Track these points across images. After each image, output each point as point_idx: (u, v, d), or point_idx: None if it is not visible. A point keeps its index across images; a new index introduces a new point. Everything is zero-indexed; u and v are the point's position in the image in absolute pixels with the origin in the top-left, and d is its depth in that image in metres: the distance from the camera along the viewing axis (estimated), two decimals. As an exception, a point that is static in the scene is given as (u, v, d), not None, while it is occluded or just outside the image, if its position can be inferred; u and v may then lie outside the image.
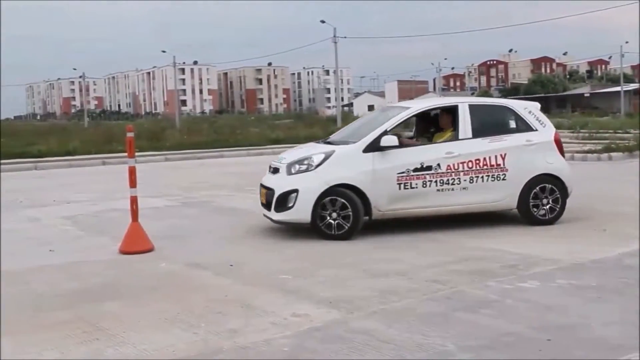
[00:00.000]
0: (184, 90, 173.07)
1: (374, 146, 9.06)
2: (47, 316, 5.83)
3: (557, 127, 34.94)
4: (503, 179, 9.38)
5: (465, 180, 9.24)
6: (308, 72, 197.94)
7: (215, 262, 7.77)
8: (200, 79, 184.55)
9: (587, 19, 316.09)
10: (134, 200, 8.53)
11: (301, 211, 8.87)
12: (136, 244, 8.40)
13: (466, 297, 6.05)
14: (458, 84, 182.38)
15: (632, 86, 78.73)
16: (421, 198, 9.15)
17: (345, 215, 8.86)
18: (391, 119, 9.43)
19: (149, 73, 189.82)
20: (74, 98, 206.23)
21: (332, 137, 10.41)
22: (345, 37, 56.48)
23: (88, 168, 22.41)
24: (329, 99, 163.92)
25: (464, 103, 9.73)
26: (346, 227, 8.85)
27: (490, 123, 9.77)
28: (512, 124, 9.83)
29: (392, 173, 9.04)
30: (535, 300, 5.90)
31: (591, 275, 6.71)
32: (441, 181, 9.16)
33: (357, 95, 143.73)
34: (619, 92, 71.00)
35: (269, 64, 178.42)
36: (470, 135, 9.40)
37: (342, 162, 9.07)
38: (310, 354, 4.74)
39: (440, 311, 5.65)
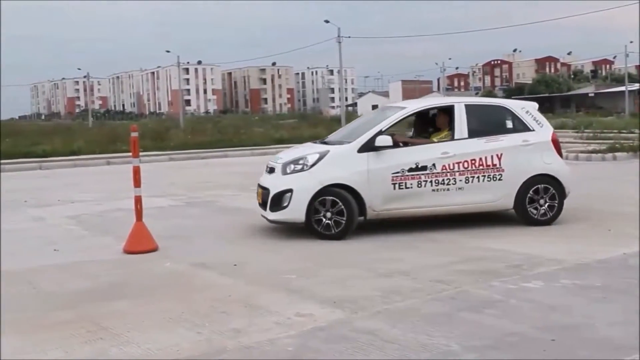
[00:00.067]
0: (188, 90, 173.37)
1: (369, 146, 9.08)
2: (51, 315, 5.84)
3: (561, 127, 34.91)
4: (499, 179, 9.35)
5: (460, 180, 9.23)
6: (312, 72, 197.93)
7: (219, 261, 7.78)
8: (205, 79, 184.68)
9: (591, 18, 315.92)
10: (138, 200, 8.54)
11: (295, 211, 8.91)
12: (140, 243, 8.41)
13: (470, 297, 6.04)
14: (462, 83, 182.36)
15: (637, 86, 78.40)
16: (416, 198, 9.15)
17: (340, 215, 8.88)
18: (386, 119, 9.45)
19: (153, 73, 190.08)
20: (78, 98, 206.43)
21: (330, 137, 10.42)
22: (349, 37, 56.44)
23: (92, 168, 22.46)
24: (333, 99, 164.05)
25: (460, 103, 9.71)
26: (340, 227, 8.88)
27: (486, 123, 9.76)
28: (509, 124, 9.78)
29: (387, 173, 9.04)
30: (539, 300, 5.89)
31: (595, 276, 6.69)
32: (436, 181, 9.16)
33: (361, 95, 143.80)
34: (623, 92, 70.91)
35: (273, 64, 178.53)
36: (466, 135, 9.39)
37: (337, 162, 9.10)
38: (314, 354, 4.74)
39: (444, 311, 5.64)
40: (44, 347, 5.00)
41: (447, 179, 9.19)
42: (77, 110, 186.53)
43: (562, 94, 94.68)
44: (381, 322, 5.38)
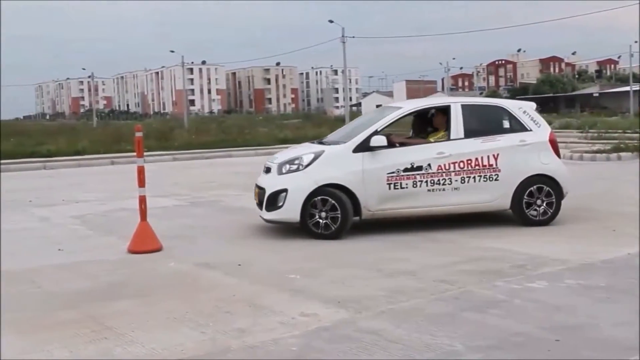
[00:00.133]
0: (193, 90, 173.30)
1: (364, 146, 9.10)
2: (55, 315, 5.85)
3: (566, 127, 34.76)
4: (496, 180, 9.34)
5: (456, 180, 9.23)
6: (316, 72, 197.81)
7: (224, 261, 7.79)
8: (209, 79, 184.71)
9: (595, 18, 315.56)
10: (142, 200, 8.55)
11: (290, 210, 8.95)
12: (145, 243, 8.42)
13: (474, 297, 6.04)
14: (466, 83, 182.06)
15: (642, 86, 78.27)
16: (412, 198, 9.16)
17: (334, 214, 8.91)
18: (382, 120, 9.46)
19: (157, 73, 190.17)
20: (82, 98, 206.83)
21: (328, 137, 10.46)
22: (353, 37, 56.45)
23: (97, 168, 22.50)
24: (337, 99, 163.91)
25: (456, 103, 9.70)
26: (335, 227, 8.91)
27: (483, 123, 9.75)
28: (506, 124, 9.76)
29: (382, 173, 9.06)
30: (543, 300, 5.89)
31: (600, 276, 6.69)
32: (432, 181, 9.16)
33: (365, 95, 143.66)
34: (628, 91, 70.63)
35: (277, 64, 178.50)
36: (463, 136, 9.38)
37: (332, 162, 9.13)
38: (318, 354, 4.75)
39: (448, 311, 5.64)
40: (49, 347, 5.01)
41: (443, 179, 9.19)
42: (82, 110, 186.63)
43: (566, 94, 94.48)
44: (385, 322, 5.38)
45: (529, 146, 9.54)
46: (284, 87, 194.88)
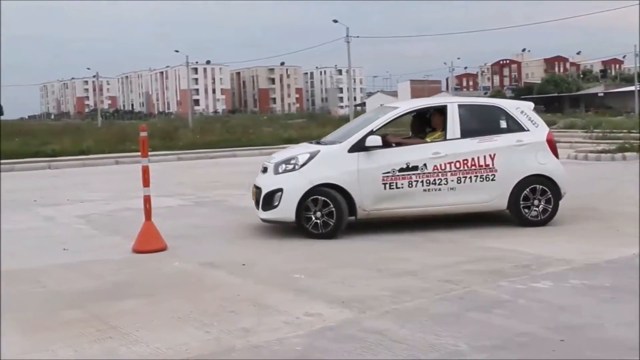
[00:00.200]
0: (197, 90, 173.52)
1: (359, 146, 9.13)
2: (60, 314, 5.86)
3: (571, 126, 34.69)
4: (492, 180, 9.32)
5: (452, 180, 9.22)
6: (321, 72, 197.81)
7: (228, 261, 7.79)
8: (213, 79, 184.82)
9: (599, 18, 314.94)
10: (147, 200, 8.56)
11: (286, 210, 9.00)
12: (149, 243, 8.43)
13: (479, 297, 6.03)
14: (471, 83, 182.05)
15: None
16: (407, 198, 9.16)
17: (329, 214, 8.94)
18: (378, 120, 9.49)
19: (162, 73, 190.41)
20: (87, 98, 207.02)
21: (326, 138, 10.47)
22: (357, 37, 56.44)
23: (101, 167, 22.54)
24: (341, 99, 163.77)
25: (453, 103, 9.70)
26: (330, 226, 8.94)
27: (480, 123, 9.74)
28: (503, 124, 9.72)
29: (377, 173, 9.08)
30: (548, 300, 5.88)
31: (605, 276, 6.68)
32: (427, 181, 9.16)
33: (369, 94, 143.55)
34: (633, 91, 70.56)
35: (282, 64, 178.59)
36: (459, 136, 9.37)
37: (327, 162, 9.17)
38: (323, 354, 4.75)
39: (452, 311, 5.64)
40: (53, 346, 5.02)
41: (439, 179, 9.19)
42: (87, 109, 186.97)
43: (571, 93, 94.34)
44: (389, 322, 5.38)
45: (526, 146, 9.51)
46: (288, 86, 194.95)
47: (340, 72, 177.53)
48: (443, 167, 9.19)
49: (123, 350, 4.92)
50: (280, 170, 9.28)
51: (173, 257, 8.06)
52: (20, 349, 5.02)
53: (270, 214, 9.19)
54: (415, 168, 9.14)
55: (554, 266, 7.09)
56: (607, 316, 5.38)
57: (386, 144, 9.26)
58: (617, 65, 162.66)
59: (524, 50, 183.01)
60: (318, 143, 9.96)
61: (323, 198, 8.95)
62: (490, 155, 9.32)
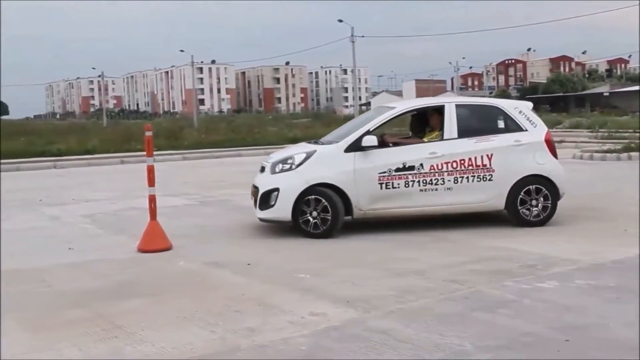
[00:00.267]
0: (202, 90, 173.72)
1: (356, 146, 9.15)
2: (65, 314, 5.87)
3: (576, 126, 34.60)
4: (489, 180, 9.30)
5: (449, 180, 9.21)
6: (326, 72, 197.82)
7: (233, 260, 7.80)
8: (218, 78, 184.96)
9: (604, 17, 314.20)
10: (152, 199, 8.58)
11: (282, 209, 9.04)
12: (154, 242, 8.45)
13: (484, 297, 6.03)
14: (476, 83, 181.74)
15: (652, 85, 77.81)
16: (403, 198, 9.16)
17: (325, 213, 8.95)
18: (375, 120, 9.50)
19: (167, 72, 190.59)
20: (93, 97, 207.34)
21: (325, 137, 10.47)
22: (362, 37, 56.41)
23: (107, 167, 22.58)
24: (346, 98, 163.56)
25: (450, 103, 9.68)
26: (326, 226, 8.97)
27: (477, 123, 9.72)
28: (501, 124, 9.66)
29: (374, 173, 9.09)
30: (553, 300, 5.87)
31: (610, 276, 6.66)
32: (424, 181, 9.16)
33: (374, 94, 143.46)
34: (638, 91, 70.35)
35: (287, 63, 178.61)
36: (456, 136, 9.36)
37: (324, 162, 9.20)
38: (328, 353, 4.75)
39: (457, 311, 5.63)
40: (58, 345, 5.03)
41: (436, 179, 9.18)
42: (92, 109, 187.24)
43: (576, 93, 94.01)
44: (394, 321, 5.38)
45: (524, 146, 9.48)
46: (293, 86, 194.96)
47: (345, 71, 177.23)
48: (440, 167, 9.19)
49: (128, 350, 4.93)
50: (277, 170, 9.31)
51: (178, 257, 8.07)
52: (25, 347, 5.04)
53: (267, 214, 9.22)
54: (411, 168, 9.14)
55: (560, 266, 7.07)
56: (613, 316, 5.37)
57: (383, 144, 9.29)
58: (623, 65, 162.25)
59: (529, 49, 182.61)
60: (317, 143, 9.97)
61: (319, 198, 8.98)
62: (487, 155, 9.31)
